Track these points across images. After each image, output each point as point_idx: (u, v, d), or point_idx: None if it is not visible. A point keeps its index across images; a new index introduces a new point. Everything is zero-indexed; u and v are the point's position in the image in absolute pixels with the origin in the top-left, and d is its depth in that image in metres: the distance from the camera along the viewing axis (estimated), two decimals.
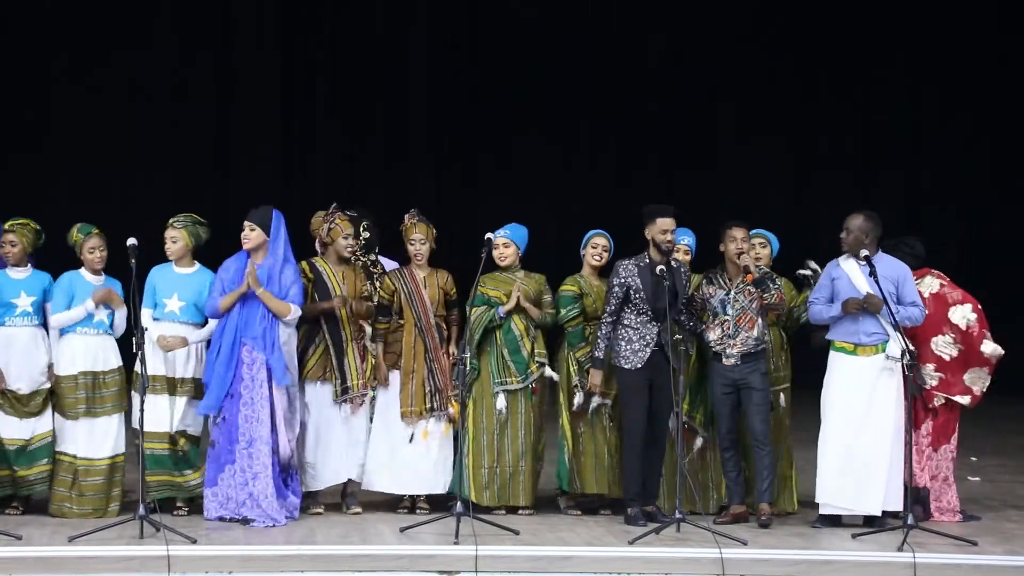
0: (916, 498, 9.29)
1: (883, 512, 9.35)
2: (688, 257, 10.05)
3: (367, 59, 18.53)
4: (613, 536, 9.16)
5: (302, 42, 18.50)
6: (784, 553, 8.82)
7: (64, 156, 17.44)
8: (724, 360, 9.59)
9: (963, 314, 9.87)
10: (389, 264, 10.56)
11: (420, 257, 9.94)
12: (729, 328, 9.58)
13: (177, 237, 9.67)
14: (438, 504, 9.74)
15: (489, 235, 9.66)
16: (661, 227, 9.54)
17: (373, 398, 9.93)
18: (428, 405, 9.81)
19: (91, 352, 9.53)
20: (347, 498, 9.80)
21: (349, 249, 9.89)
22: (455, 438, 9.75)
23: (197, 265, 9.72)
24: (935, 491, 9.79)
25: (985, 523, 9.80)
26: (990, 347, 9.87)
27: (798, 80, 18.62)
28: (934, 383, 9.77)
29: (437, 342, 9.91)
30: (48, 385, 9.52)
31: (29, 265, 9.65)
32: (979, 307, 9.93)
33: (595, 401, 9.81)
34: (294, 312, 9.51)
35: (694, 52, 18.58)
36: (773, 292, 9.52)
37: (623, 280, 9.58)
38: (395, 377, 9.86)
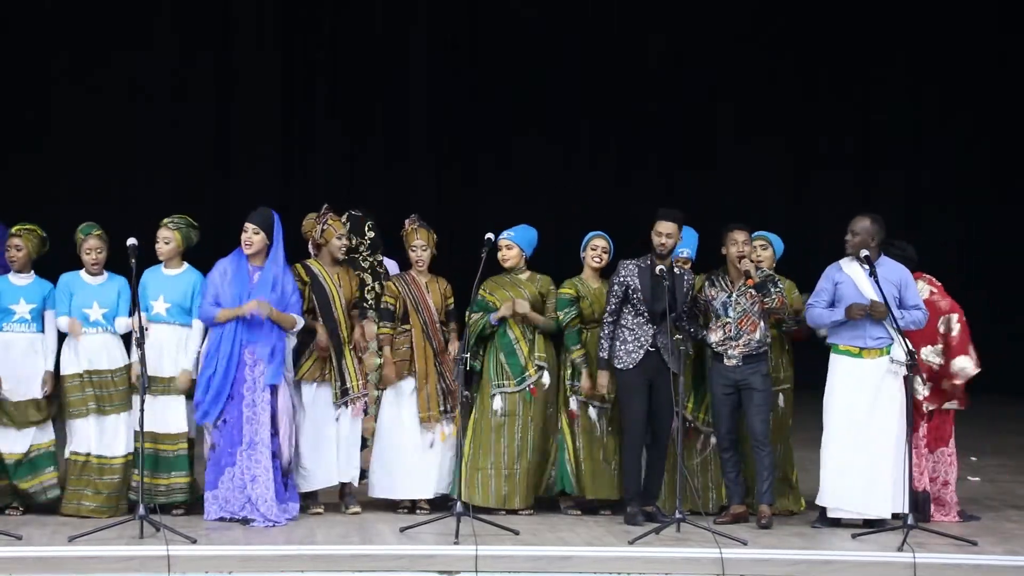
0: (915, 501, 9.28)
1: (892, 515, 9.35)
2: (687, 266, 10.01)
3: (367, 59, 18.53)
4: (613, 536, 9.16)
5: (302, 42, 18.50)
6: (784, 553, 8.82)
7: (64, 156, 17.44)
8: (726, 361, 9.58)
9: (949, 325, 9.83)
10: (390, 264, 10.58)
11: (422, 263, 9.94)
12: (731, 330, 9.58)
13: (170, 238, 9.67)
14: (438, 504, 9.74)
15: (489, 235, 9.66)
16: (657, 229, 9.56)
17: (377, 399, 9.94)
18: (441, 408, 9.81)
19: (95, 351, 9.52)
20: (345, 498, 9.80)
21: (343, 250, 9.89)
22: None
23: (185, 266, 9.72)
24: (934, 493, 9.79)
25: (985, 523, 9.80)
26: (960, 363, 9.77)
27: (798, 80, 18.62)
28: (926, 393, 9.76)
29: (443, 345, 9.91)
30: (46, 391, 9.49)
31: (32, 272, 9.65)
32: (964, 319, 9.86)
33: (594, 410, 9.82)
34: (299, 324, 9.54)
35: (694, 52, 18.58)
36: (774, 296, 9.51)
37: (622, 279, 9.59)
38: (404, 384, 9.83)
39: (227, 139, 18.27)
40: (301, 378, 9.66)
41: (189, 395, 9.55)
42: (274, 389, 9.42)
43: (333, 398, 9.69)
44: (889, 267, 9.51)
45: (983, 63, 18.64)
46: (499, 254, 9.97)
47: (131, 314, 9.47)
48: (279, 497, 9.36)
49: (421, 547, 8.70)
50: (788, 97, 18.60)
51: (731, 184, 18.19)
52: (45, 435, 9.54)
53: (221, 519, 9.35)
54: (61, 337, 9.62)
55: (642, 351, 9.52)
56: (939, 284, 9.94)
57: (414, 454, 9.75)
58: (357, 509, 9.71)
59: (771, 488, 9.58)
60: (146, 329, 9.20)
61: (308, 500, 9.71)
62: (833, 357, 9.55)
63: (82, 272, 9.63)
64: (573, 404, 9.85)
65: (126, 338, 9.60)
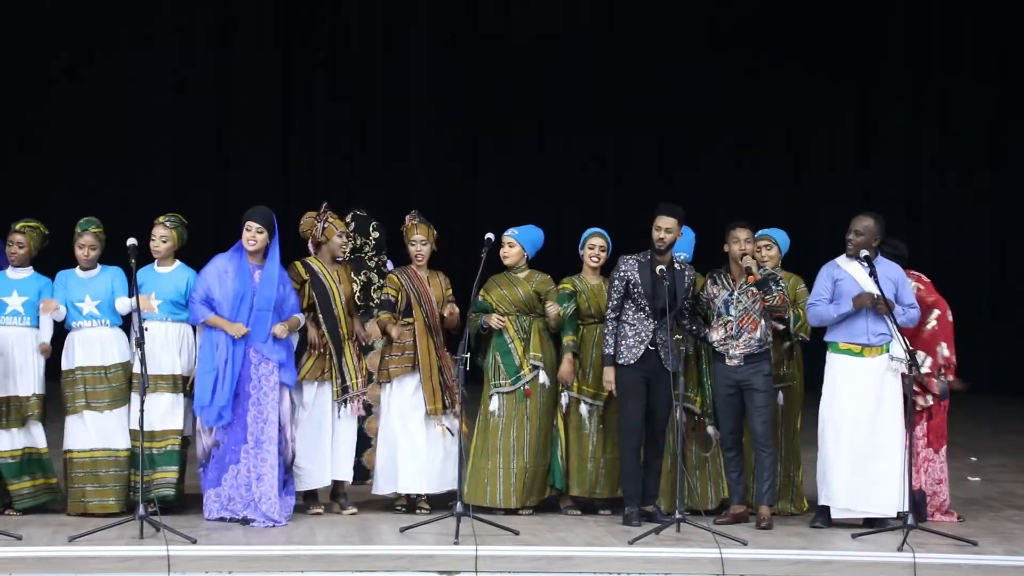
0: (913, 500, 9.28)
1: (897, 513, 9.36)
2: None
3: (367, 59, 18.54)
4: (613, 536, 9.16)
5: (302, 42, 18.49)
6: (784, 553, 8.82)
7: (64, 156, 17.45)
8: (727, 360, 9.58)
9: (926, 319, 9.81)
10: (390, 266, 10.60)
11: (421, 258, 9.94)
12: (732, 329, 9.58)
13: (168, 236, 9.68)
14: (438, 504, 9.74)
15: (489, 235, 9.66)
16: (656, 224, 9.56)
17: (379, 398, 9.95)
18: (443, 402, 9.82)
19: (90, 346, 9.51)
20: (339, 497, 9.80)
21: (344, 248, 9.89)
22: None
23: (177, 263, 9.72)
24: (931, 491, 9.78)
25: (985, 523, 9.80)
26: (938, 387, 9.77)
27: (798, 80, 18.60)
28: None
29: (442, 340, 9.92)
30: (43, 352, 9.46)
31: (30, 268, 9.65)
32: (946, 317, 9.83)
33: (584, 407, 9.83)
34: (302, 322, 9.57)
35: (694, 52, 18.57)
36: (775, 294, 9.51)
37: (623, 274, 9.59)
38: (407, 378, 9.83)
39: (227, 139, 18.27)
40: (303, 378, 9.66)
41: (187, 392, 9.55)
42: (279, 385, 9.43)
43: (333, 396, 9.70)
44: (886, 266, 9.52)
45: (983, 63, 18.63)
46: (500, 251, 9.98)
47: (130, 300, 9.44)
48: (280, 495, 9.35)
49: (421, 547, 8.70)
50: (788, 97, 18.59)
51: (731, 184, 18.19)
52: (38, 439, 9.51)
53: (221, 519, 9.35)
54: (63, 335, 9.61)
55: (642, 347, 9.52)
56: (927, 281, 9.93)
57: (420, 448, 9.74)
58: (354, 510, 9.71)
59: (771, 489, 9.58)
60: (146, 329, 9.19)
61: (308, 500, 9.71)
62: (831, 356, 9.54)
63: (75, 268, 9.63)
64: (564, 399, 9.85)
65: (126, 330, 9.60)
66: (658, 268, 9.47)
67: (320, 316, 9.69)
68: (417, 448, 9.75)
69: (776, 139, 18.86)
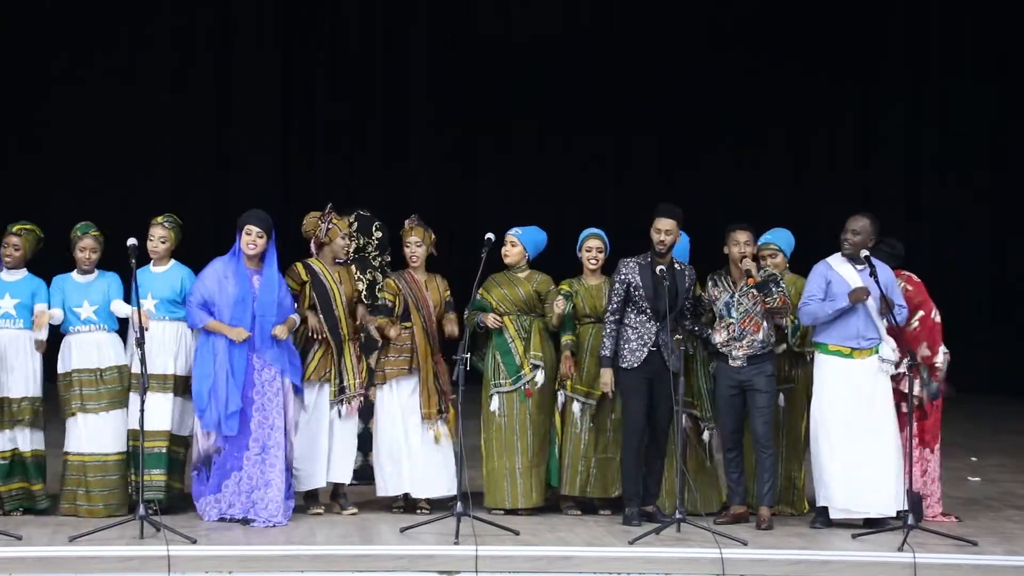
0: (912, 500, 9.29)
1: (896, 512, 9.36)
2: None
3: (367, 59, 18.53)
4: (613, 536, 9.16)
5: (302, 42, 18.49)
6: (784, 553, 8.82)
7: (64, 156, 17.44)
8: (730, 361, 9.58)
9: (910, 320, 9.79)
10: None
11: (416, 259, 9.92)
12: (734, 331, 9.57)
13: (166, 237, 9.69)
14: (438, 504, 9.73)
15: (489, 235, 9.65)
16: (656, 226, 9.56)
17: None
18: (438, 407, 9.81)
19: (87, 349, 9.51)
20: (340, 499, 9.79)
21: (346, 250, 9.89)
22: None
23: (172, 262, 9.74)
24: (926, 491, 9.77)
25: (985, 523, 9.80)
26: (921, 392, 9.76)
27: (798, 80, 18.60)
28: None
29: (438, 344, 9.91)
30: (40, 342, 9.45)
31: (24, 270, 9.64)
32: (932, 319, 9.79)
33: (577, 405, 9.83)
34: (298, 323, 9.57)
35: (694, 52, 18.57)
36: (776, 296, 9.50)
37: (623, 277, 9.59)
38: (404, 381, 9.84)
39: (227, 139, 18.27)
40: (305, 379, 9.64)
41: (185, 393, 9.55)
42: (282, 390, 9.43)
43: (331, 396, 9.69)
44: (878, 266, 9.50)
45: (983, 63, 18.63)
46: (502, 249, 9.98)
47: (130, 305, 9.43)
48: (284, 499, 9.37)
49: (421, 547, 8.70)
50: (788, 97, 18.58)
51: (731, 184, 18.18)
52: (23, 442, 9.50)
53: (222, 519, 9.35)
54: (59, 339, 9.61)
55: (645, 349, 9.52)
56: (917, 281, 9.91)
57: (415, 451, 9.74)
58: (354, 510, 9.71)
59: (771, 490, 9.58)
60: (146, 329, 9.18)
61: (308, 500, 9.71)
62: (821, 357, 9.54)
63: (73, 273, 9.62)
64: (560, 398, 9.85)
65: (123, 335, 9.59)
66: (658, 268, 9.47)
67: (320, 317, 9.69)
68: (413, 451, 9.74)
69: (776, 139, 18.85)
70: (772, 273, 9.63)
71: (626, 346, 9.55)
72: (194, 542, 8.63)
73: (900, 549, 8.72)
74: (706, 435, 9.93)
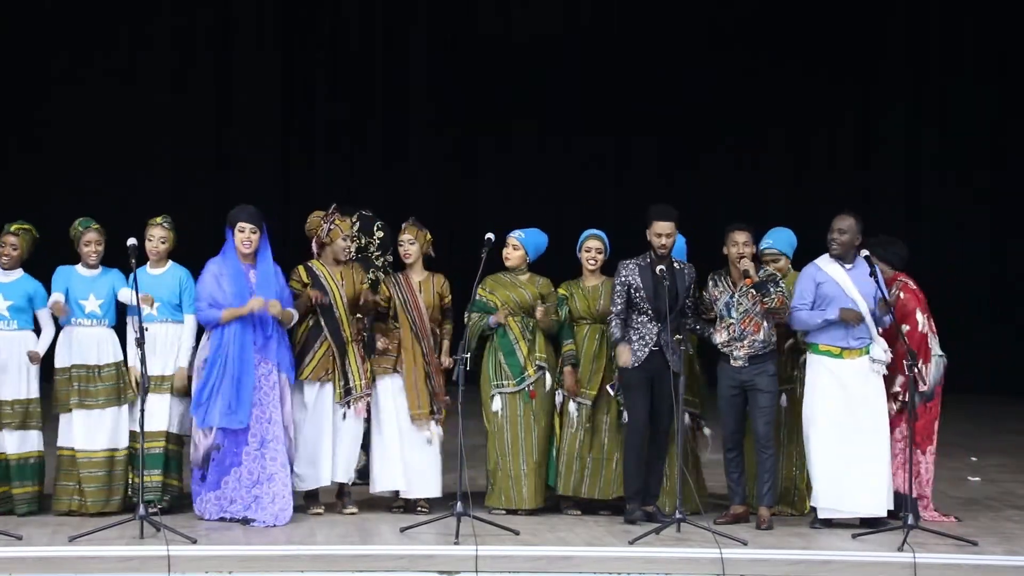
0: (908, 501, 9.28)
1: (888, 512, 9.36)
2: None
3: (367, 59, 18.53)
4: (613, 536, 9.16)
5: (302, 42, 18.49)
6: (784, 553, 8.82)
7: (64, 156, 17.44)
8: (732, 361, 9.58)
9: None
10: None
11: (409, 256, 9.91)
12: (735, 331, 9.57)
13: (166, 237, 9.70)
14: (437, 504, 9.73)
15: (489, 236, 9.64)
16: (656, 231, 9.56)
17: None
18: (429, 408, 9.81)
19: (84, 344, 9.50)
20: (343, 498, 9.79)
21: (347, 251, 9.88)
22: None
23: (170, 263, 9.74)
24: (920, 492, 9.75)
25: (985, 523, 9.79)
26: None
27: (798, 80, 18.60)
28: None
29: (432, 345, 9.89)
30: (32, 358, 9.44)
31: (20, 270, 9.64)
32: (917, 332, 9.72)
33: (573, 405, 9.83)
34: (295, 318, 9.55)
35: (694, 52, 18.57)
36: (774, 296, 9.49)
37: (624, 279, 9.60)
38: (388, 379, 9.83)
39: (227, 139, 18.27)
40: (305, 378, 9.65)
41: (185, 394, 9.55)
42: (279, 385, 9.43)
43: (336, 397, 9.69)
44: (864, 269, 9.48)
45: (983, 62, 18.63)
46: (503, 251, 9.97)
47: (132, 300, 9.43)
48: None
49: (421, 547, 8.70)
50: (788, 97, 18.58)
51: (731, 184, 18.18)
52: (27, 443, 9.50)
53: (221, 519, 9.35)
54: (58, 328, 9.60)
55: (647, 349, 9.52)
56: (913, 288, 9.85)
57: (407, 450, 9.74)
58: (354, 510, 9.71)
59: (772, 491, 9.58)
60: (146, 329, 9.19)
61: (309, 500, 9.71)
62: (812, 357, 9.56)
63: (79, 266, 9.62)
64: (559, 398, 9.86)
65: (121, 333, 9.59)
66: (658, 269, 9.47)
67: (322, 319, 9.68)
68: (405, 450, 9.74)
69: (776, 139, 18.85)
70: (772, 273, 9.63)
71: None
72: (194, 542, 8.63)
73: (900, 549, 8.72)
74: (707, 431, 9.93)
